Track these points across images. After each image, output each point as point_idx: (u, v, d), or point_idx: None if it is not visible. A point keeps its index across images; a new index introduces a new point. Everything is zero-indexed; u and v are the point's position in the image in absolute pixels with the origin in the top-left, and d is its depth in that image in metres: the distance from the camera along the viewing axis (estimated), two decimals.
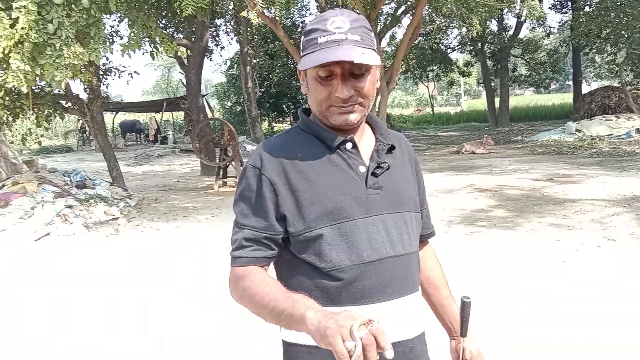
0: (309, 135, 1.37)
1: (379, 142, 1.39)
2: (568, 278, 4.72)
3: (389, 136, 1.42)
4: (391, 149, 1.40)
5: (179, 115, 32.55)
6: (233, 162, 11.30)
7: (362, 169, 1.35)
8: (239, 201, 1.35)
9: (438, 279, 1.57)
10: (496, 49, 25.71)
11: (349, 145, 1.34)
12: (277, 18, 8.14)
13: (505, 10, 16.43)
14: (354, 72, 1.27)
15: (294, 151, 1.33)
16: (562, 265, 5.09)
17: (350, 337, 1.00)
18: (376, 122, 1.43)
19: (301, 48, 1.33)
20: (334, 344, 0.99)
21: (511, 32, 25.62)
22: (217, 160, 11.76)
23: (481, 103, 38.41)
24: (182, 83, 31.07)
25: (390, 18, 10.95)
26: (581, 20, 18.95)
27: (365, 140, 1.39)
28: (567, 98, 32.09)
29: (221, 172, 11.46)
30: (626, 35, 17.93)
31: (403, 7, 12.26)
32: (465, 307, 1.41)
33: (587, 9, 20.57)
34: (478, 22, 12.10)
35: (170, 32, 13.57)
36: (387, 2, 8.94)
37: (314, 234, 1.30)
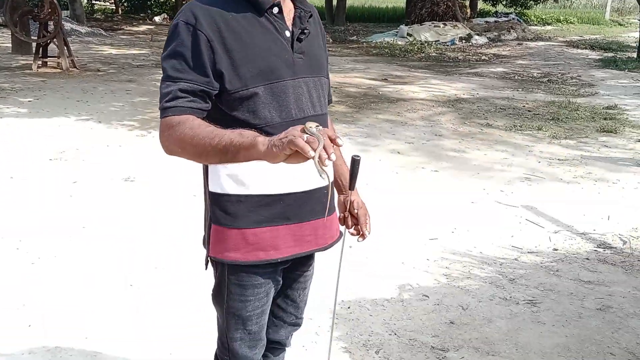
0: None
1: (299, 9, 1.51)
2: (385, 170, 5.35)
3: (307, 4, 1.55)
4: (309, 16, 1.54)
5: None
6: (55, 40, 10.31)
7: (287, 33, 1.48)
8: (171, 57, 1.40)
9: None
10: None
11: (275, 10, 1.46)
12: None
13: None
14: None
15: (225, 11, 1.41)
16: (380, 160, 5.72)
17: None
18: None
19: None
20: (293, 140, 1.12)
21: None
22: (36, 37, 10.62)
23: (318, 0, 38.60)
24: None
25: None
26: None
27: (287, 7, 1.51)
28: (400, 2, 33.57)
29: (41, 51, 10.41)
30: None
31: None
32: (355, 164, 1.61)
33: None
34: None
35: None
36: None
37: (250, 92, 1.42)
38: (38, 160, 5.20)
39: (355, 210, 1.75)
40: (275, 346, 1.84)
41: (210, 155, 1.32)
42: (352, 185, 1.68)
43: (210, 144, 1.30)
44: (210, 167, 1.54)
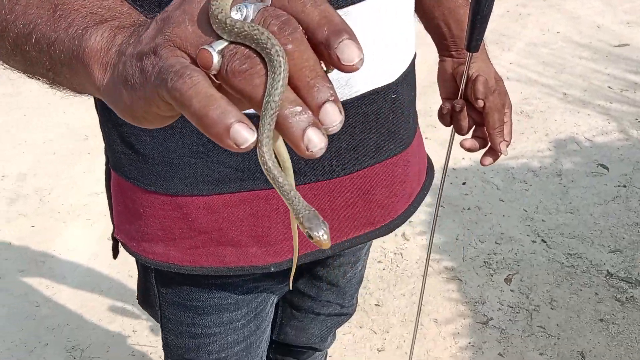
0: None
1: None
2: None
3: None
4: None
5: None
6: None
7: None
8: None
9: None
10: None
11: None
12: None
13: None
14: None
15: None
16: None
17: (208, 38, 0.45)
18: None
19: None
20: (167, 80, 0.44)
21: None
22: None
23: None
24: None
25: None
26: None
27: None
28: None
29: None
30: None
31: None
32: None
33: None
34: None
35: None
36: None
37: None
38: None
39: (480, 97, 1.12)
40: (301, 349, 1.46)
41: (36, 66, 0.62)
42: (473, 42, 1.06)
43: (27, 35, 0.60)
44: None
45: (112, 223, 1.06)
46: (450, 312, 2.23)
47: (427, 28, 1.22)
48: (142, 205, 0.96)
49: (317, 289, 1.29)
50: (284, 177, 0.46)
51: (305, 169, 0.93)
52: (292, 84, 0.43)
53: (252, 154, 0.85)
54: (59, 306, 2.29)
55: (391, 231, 1.08)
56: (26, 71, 0.65)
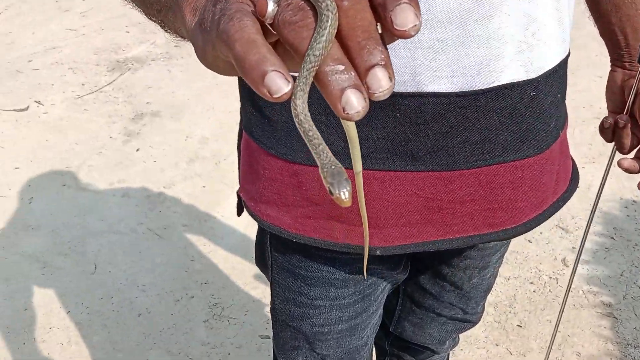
0: None
1: None
2: None
3: None
4: None
5: None
6: None
7: None
8: None
9: None
10: None
11: None
12: None
13: None
14: None
15: None
16: None
17: None
18: None
19: None
20: (229, 28, 0.43)
21: None
22: None
23: None
24: None
25: None
26: None
27: None
28: None
29: None
30: None
31: None
32: None
33: None
34: None
35: None
36: None
37: None
38: None
39: None
40: (418, 348, 1.40)
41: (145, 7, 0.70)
42: None
43: None
44: None
45: (239, 182, 1.10)
46: (597, 348, 2.07)
47: (602, 34, 1.13)
48: (263, 167, 0.98)
49: (439, 288, 1.24)
50: (315, 131, 0.44)
51: (425, 156, 0.89)
52: (343, 43, 0.41)
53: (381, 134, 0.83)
54: (211, 264, 2.40)
55: (513, 237, 1.02)
56: (144, 13, 0.70)
